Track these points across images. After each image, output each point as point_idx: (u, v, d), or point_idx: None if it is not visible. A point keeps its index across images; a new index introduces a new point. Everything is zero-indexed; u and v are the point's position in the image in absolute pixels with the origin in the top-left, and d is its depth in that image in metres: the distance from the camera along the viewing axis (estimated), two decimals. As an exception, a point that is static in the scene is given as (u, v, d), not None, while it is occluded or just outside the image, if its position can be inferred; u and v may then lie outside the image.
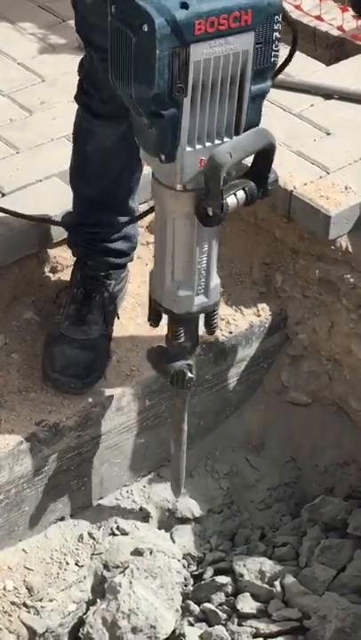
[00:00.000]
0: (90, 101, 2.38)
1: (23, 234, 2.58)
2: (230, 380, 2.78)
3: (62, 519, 2.55)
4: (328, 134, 2.94)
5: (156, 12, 1.81)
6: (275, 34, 1.92)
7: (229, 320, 2.70)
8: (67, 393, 2.47)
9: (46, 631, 2.39)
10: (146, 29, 1.82)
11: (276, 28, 1.92)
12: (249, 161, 2.07)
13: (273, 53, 1.95)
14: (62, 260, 2.69)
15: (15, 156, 2.83)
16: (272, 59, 1.95)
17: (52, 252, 2.67)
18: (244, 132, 2.00)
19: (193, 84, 1.88)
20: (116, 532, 2.56)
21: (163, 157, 1.96)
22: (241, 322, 2.72)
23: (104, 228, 2.51)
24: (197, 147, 1.96)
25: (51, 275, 2.70)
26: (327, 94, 3.09)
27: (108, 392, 2.50)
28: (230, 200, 2.01)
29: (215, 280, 2.19)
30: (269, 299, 2.79)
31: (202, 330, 2.27)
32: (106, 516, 2.59)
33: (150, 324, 2.28)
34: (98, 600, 2.44)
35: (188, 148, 1.95)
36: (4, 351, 2.54)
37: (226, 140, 1.98)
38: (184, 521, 2.67)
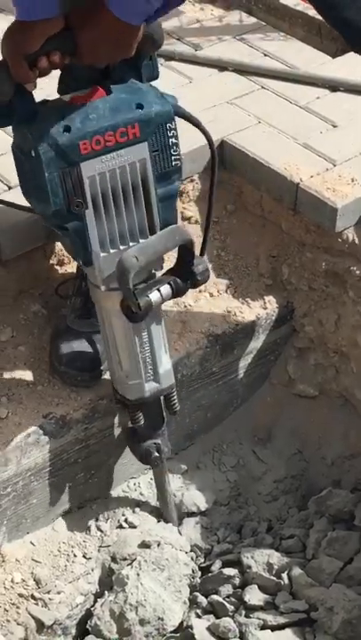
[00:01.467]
0: None
1: (29, 227, 2.58)
2: (237, 372, 2.78)
3: (70, 512, 2.56)
4: (334, 127, 2.93)
5: (39, 138, 1.94)
6: (170, 139, 2.03)
7: (236, 312, 2.70)
8: (74, 385, 2.48)
9: (54, 623, 2.40)
10: (33, 154, 1.95)
11: (170, 134, 2.03)
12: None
13: (173, 157, 2.06)
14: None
15: (21, 150, 2.82)
16: (173, 162, 2.06)
17: (58, 244, 2.67)
18: (161, 230, 2.11)
19: (92, 197, 2.01)
20: (124, 524, 2.56)
21: (81, 262, 2.11)
22: (248, 314, 2.72)
23: None
24: (112, 251, 2.09)
25: (57, 267, 2.69)
26: (334, 86, 3.08)
27: (114, 385, 2.51)
28: (154, 296, 2.12)
29: (165, 365, 2.30)
30: (276, 291, 2.79)
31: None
32: (113, 509, 2.59)
33: (117, 409, 2.44)
34: (106, 592, 2.45)
35: (103, 254, 2.08)
36: (11, 344, 2.54)
37: (142, 241, 2.09)
38: (190, 514, 2.67)
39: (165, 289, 2.15)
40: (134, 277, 2.07)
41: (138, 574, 2.42)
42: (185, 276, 2.17)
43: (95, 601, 2.46)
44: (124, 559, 2.49)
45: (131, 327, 2.19)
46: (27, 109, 1.98)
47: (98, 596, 2.47)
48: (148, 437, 2.41)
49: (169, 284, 2.15)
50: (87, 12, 1.90)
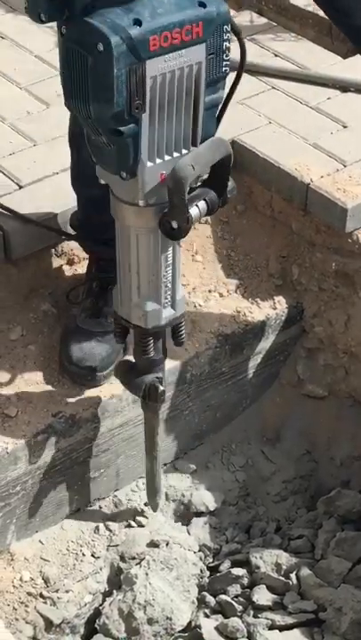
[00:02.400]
0: None
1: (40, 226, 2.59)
2: (246, 372, 2.78)
3: (78, 510, 2.56)
4: (345, 127, 2.93)
5: (111, 30, 1.81)
6: (225, 43, 1.94)
7: (246, 313, 2.70)
8: (83, 385, 2.48)
9: (62, 622, 2.40)
10: (101, 49, 1.81)
11: (225, 37, 1.94)
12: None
13: (224, 63, 1.97)
14: (79, 252, 2.69)
15: (32, 149, 2.83)
16: (223, 68, 1.97)
17: (68, 244, 2.67)
18: (201, 143, 2.01)
19: (150, 99, 1.89)
20: (132, 523, 2.56)
21: (124, 174, 1.97)
22: (257, 314, 2.72)
23: (112, 225, 2.51)
24: (157, 161, 1.98)
25: (67, 267, 2.70)
26: (344, 87, 3.08)
27: (124, 384, 2.51)
28: (193, 211, 2.02)
29: (180, 292, 2.21)
30: (286, 291, 2.79)
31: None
32: (122, 508, 2.59)
33: (116, 341, 2.31)
34: (114, 591, 2.45)
35: (149, 164, 1.97)
36: (22, 343, 2.55)
37: (184, 152, 1.99)
38: (199, 514, 2.67)
39: (202, 204, 2.04)
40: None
41: (147, 574, 2.42)
42: (219, 193, 2.06)
43: (104, 600, 2.46)
44: (133, 558, 2.49)
45: (159, 247, 2.09)
46: (87, 1, 1.84)
47: (106, 595, 2.47)
48: (149, 371, 2.27)
49: (204, 199, 2.04)
50: None
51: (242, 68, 2.11)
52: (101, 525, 2.55)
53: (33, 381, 2.48)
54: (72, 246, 2.68)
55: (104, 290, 2.54)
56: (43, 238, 2.61)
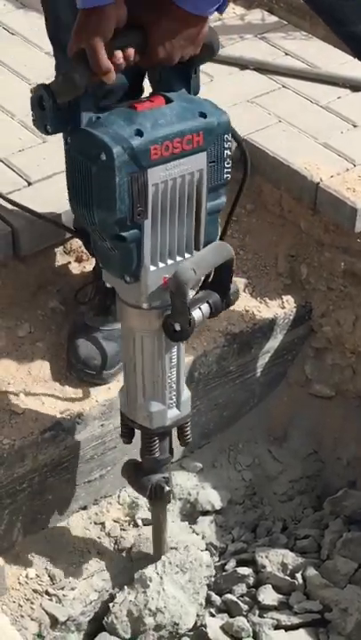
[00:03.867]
0: None
1: (48, 223, 2.58)
2: (254, 371, 2.78)
3: (85, 508, 2.56)
4: (355, 126, 2.93)
5: (113, 140, 1.87)
6: (225, 152, 1.99)
7: (254, 312, 2.70)
8: (90, 382, 2.48)
9: (68, 619, 2.40)
10: (104, 158, 1.87)
11: (226, 146, 1.99)
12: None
13: (225, 170, 2.01)
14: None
15: (41, 146, 2.83)
16: (225, 175, 2.02)
17: (77, 241, 2.67)
18: (204, 246, 2.05)
19: (153, 206, 1.94)
20: (139, 522, 2.56)
21: (127, 278, 2.01)
22: (265, 313, 2.72)
23: None
24: (160, 265, 2.02)
25: (76, 264, 2.70)
26: (355, 86, 3.07)
27: (131, 382, 2.51)
28: (196, 314, 2.05)
29: (186, 392, 2.25)
30: (294, 291, 2.79)
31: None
32: (129, 506, 2.59)
33: (124, 441, 2.34)
34: (125, 587, 2.44)
35: (152, 268, 2.01)
36: (29, 340, 2.55)
37: (187, 256, 2.04)
38: (205, 513, 2.67)
39: (205, 307, 2.09)
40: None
41: (161, 578, 2.40)
42: (222, 295, 2.11)
43: (113, 595, 2.45)
44: (140, 558, 2.49)
45: (163, 349, 2.14)
46: (91, 111, 1.93)
47: (113, 594, 2.47)
48: (155, 471, 2.31)
49: (207, 302, 2.09)
50: (156, 9, 1.90)
51: (245, 175, 2.19)
52: (108, 523, 2.55)
53: (40, 378, 2.48)
54: (80, 244, 2.68)
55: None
56: (51, 235, 2.61)
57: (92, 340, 2.49)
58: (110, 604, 2.42)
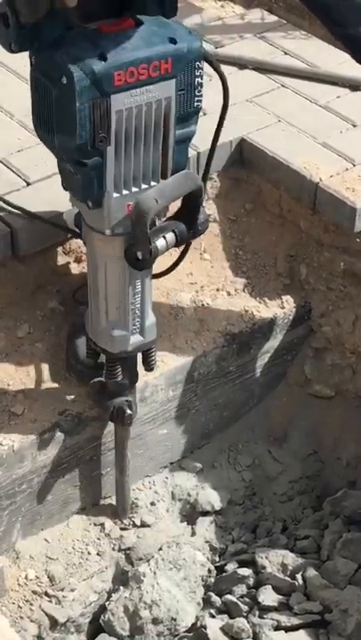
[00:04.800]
0: None
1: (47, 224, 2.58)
2: (253, 371, 2.78)
3: (84, 509, 2.56)
4: (354, 126, 2.92)
5: (74, 64, 1.83)
6: (197, 79, 1.95)
7: (253, 312, 2.69)
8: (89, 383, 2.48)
9: (67, 620, 2.40)
10: (65, 82, 1.83)
11: (197, 74, 1.95)
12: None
13: (196, 98, 1.98)
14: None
15: (41, 146, 2.78)
16: (195, 103, 1.98)
17: (76, 241, 2.66)
18: (171, 175, 2.02)
19: (116, 133, 1.91)
20: (138, 522, 2.56)
21: (90, 204, 1.99)
22: (265, 313, 2.71)
23: None
24: (124, 192, 2.00)
25: (75, 265, 2.69)
26: (354, 86, 3.07)
27: (131, 383, 2.50)
28: (160, 243, 2.05)
29: (150, 318, 2.24)
30: (294, 291, 2.78)
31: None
32: (128, 507, 2.59)
33: (90, 360, 2.34)
34: (120, 587, 2.44)
35: (115, 194, 1.99)
36: (29, 340, 2.54)
37: (153, 184, 2.01)
38: (205, 513, 2.66)
39: (170, 236, 2.07)
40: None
41: (155, 573, 2.42)
42: (188, 225, 2.08)
43: (109, 597, 2.45)
44: (140, 558, 2.49)
45: (127, 275, 2.12)
46: (55, 32, 1.86)
47: (112, 592, 2.47)
48: (119, 394, 2.31)
49: (173, 231, 2.07)
50: None
51: (226, 101, 2.14)
52: (107, 524, 2.54)
53: (39, 379, 2.48)
54: (79, 244, 2.67)
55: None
56: (50, 236, 2.61)
57: (92, 340, 2.48)
58: (106, 603, 2.42)
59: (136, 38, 1.87)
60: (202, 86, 1.97)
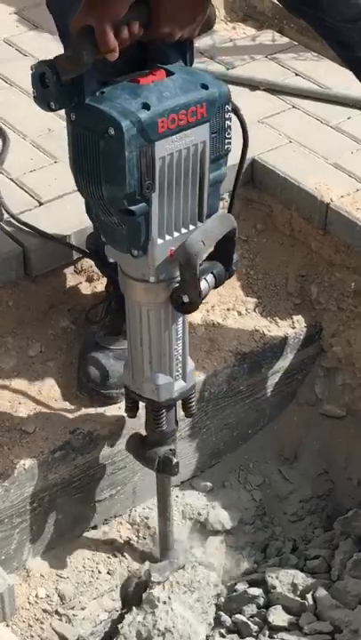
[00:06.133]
0: None
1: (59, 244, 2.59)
2: (264, 391, 2.78)
3: (95, 527, 2.56)
4: (365, 147, 2.94)
5: (121, 115, 1.88)
6: (226, 122, 2.01)
7: (264, 331, 2.70)
8: (101, 402, 2.48)
9: (78, 639, 2.39)
10: (112, 133, 1.88)
11: (227, 117, 2.01)
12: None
13: (226, 141, 2.03)
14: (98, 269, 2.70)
15: (53, 166, 2.85)
16: (226, 146, 2.03)
17: (88, 261, 2.68)
18: (207, 218, 2.06)
19: (160, 179, 1.95)
20: (149, 542, 2.56)
21: (135, 252, 2.01)
22: (276, 333, 2.72)
23: None
24: (167, 238, 2.02)
25: (87, 284, 2.71)
26: (365, 107, 3.08)
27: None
28: (203, 285, 2.05)
29: (190, 363, 2.25)
30: (304, 310, 2.79)
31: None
32: (139, 526, 2.59)
33: (128, 416, 2.35)
34: (134, 608, 2.42)
35: (159, 241, 2.01)
36: (40, 359, 2.55)
37: (191, 228, 2.04)
38: (215, 532, 2.66)
39: (210, 278, 2.08)
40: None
41: (169, 597, 2.38)
42: (225, 266, 2.10)
43: (122, 616, 2.44)
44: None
45: (169, 321, 2.13)
46: (93, 87, 1.91)
47: (123, 613, 2.46)
48: (162, 443, 2.30)
49: (212, 273, 2.08)
50: None
51: (246, 143, 2.19)
52: (118, 543, 2.54)
53: (51, 398, 2.49)
54: (91, 263, 2.69)
55: (122, 308, 2.54)
56: (62, 255, 2.62)
57: (103, 359, 2.49)
58: (119, 626, 2.41)
59: (172, 86, 1.94)
60: (230, 129, 2.03)
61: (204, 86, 1.97)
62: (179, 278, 2.06)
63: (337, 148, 2.93)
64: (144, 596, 2.41)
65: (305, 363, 2.82)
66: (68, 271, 2.67)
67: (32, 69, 1.92)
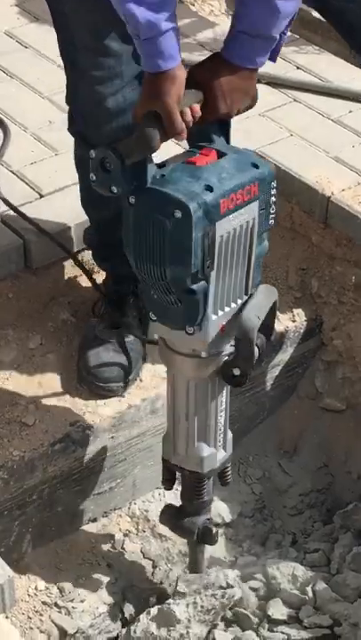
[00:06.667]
0: (85, 131, 2.35)
1: (59, 235, 2.59)
2: (264, 384, 2.78)
3: (95, 520, 2.56)
4: (366, 140, 2.94)
5: (187, 197, 1.90)
6: (272, 198, 2.05)
7: (265, 325, 2.70)
8: (101, 395, 2.48)
9: (77, 632, 2.40)
10: (179, 215, 1.89)
11: (273, 192, 2.05)
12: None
13: (271, 216, 2.07)
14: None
15: (54, 158, 2.84)
16: (270, 220, 2.08)
17: (88, 253, 2.68)
18: (250, 291, 2.09)
19: (218, 257, 1.98)
20: (149, 535, 2.56)
21: (190, 330, 2.03)
22: (276, 326, 2.70)
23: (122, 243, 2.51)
24: (220, 313, 2.05)
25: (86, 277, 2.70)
26: (366, 100, 3.08)
27: (142, 394, 2.51)
28: None
29: (229, 432, 2.27)
30: (305, 304, 2.79)
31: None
32: (139, 519, 2.59)
33: (165, 488, 2.35)
34: (151, 610, 2.36)
35: (213, 316, 2.04)
36: (40, 351, 2.55)
37: (239, 302, 2.08)
38: (215, 526, 2.66)
39: (255, 350, 2.11)
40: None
41: (189, 620, 2.33)
42: (266, 335, 2.13)
43: (124, 618, 2.42)
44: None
45: (216, 394, 2.16)
46: (153, 170, 1.94)
47: (121, 603, 2.46)
48: (200, 513, 2.31)
49: (256, 345, 2.10)
50: (212, 67, 1.97)
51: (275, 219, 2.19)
52: (117, 536, 2.54)
53: (51, 390, 2.48)
54: (90, 257, 2.69)
55: (122, 301, 2.55)
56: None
57: (103, 352, 2.49)
58: (131, 628, 2.34)
59: (228, 167, 1.98)
60: (275, 204, 2.07)
61: (255, 165, 2.01)
62: (226, 352, 2.10)
63: (338, 141, 2.92)
64: (164, 607, 2.35)
65: (305, 356, 2.82)
66: (68, 264, 2.66)
67: (92, 155, 1.93)
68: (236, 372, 2.08)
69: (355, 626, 2.38)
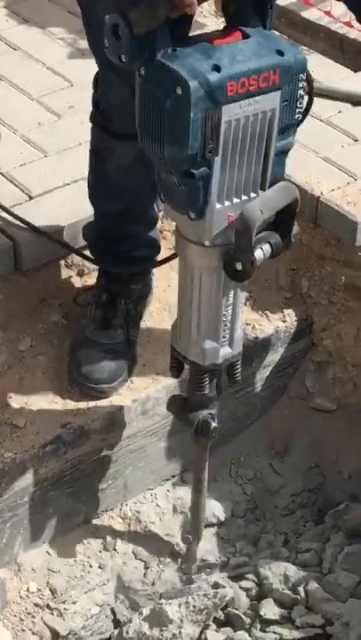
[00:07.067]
0: (108, 123, 2.34)
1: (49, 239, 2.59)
2: (255, 385, 2.78)
3: (86, 522, 2.56)
4: (356, 141, 2.94)
5: (190, 74, 1.82)
6: (299, 91, 1.95)
7: (255, 325, 2.70)
8: (92, 396, 2.48)
9: (69, 633, 2.40)
10: (180, 92, 1.83)
11: (300, 85, 1.94)
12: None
13: (297, 110, 1.97)
14: (89, 263, 2.69)
15: (43, 160, 2.84)
16: (296, 115, 1.98)
17: (78, 258, 2.68)
18: (270, 186, 2.02)
19: (223, 144, 1.90)
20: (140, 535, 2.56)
21: (192, 215, 1.98)
22: (267, 327, 2.72)
23: (127, 239, 2.51)
24: (226, 203, 1.98)
25: (77, 278, 2.70)
26: (355, 101, 3.08)
27: (133, 395, 2.51)
28: (257, 254, 2.02)
29: (239, 331, 2.22)
30: (295, 304, 2.79)
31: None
32: (130, 520, 2.59)
33: (172, 375, 2.30)
34: (143, 610, 2.38)
35: (218, 205, 1.97)
36: (31, 353, 2.55)
37: (252, 195, 2.00)
38: (207, 525, 2.66)
39: (266, 247, 2.04)
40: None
41: (182, 620, 2.34)
42: (283, 237, 2.05)
43: (116, 619, 2.42)
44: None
45: (221, 287, 2.10)
46: (166, 43, 1.86)
47: (114, 604, 2.46)
48: (203, 407, 2.27)
49: (268, 242, 2.04)
50: None
51: (305, 115, 2.08)
52: (109, 537, 2.54)
53: (42, 392, 2.48)
54: (81, 259, 2.69)
55: (113, 302, 2.55)
56: (53, 249, 2.62)
57: (94, 353, 2.49)
58: (124, 629, 2.35)
59: (246, 50, 1.89)
60: (303, 98, 1.97)
61: (280, 52, 1.90)
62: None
63: (328, 141, 2.93)
64: (156, 607, 2.36)
65: (296, 356, 2.83)
66: (59, 265, 2.66)
67: (106, 20, 1.86)
68: (239, 266, 2.01)
69: (347, 625, 2.39)
